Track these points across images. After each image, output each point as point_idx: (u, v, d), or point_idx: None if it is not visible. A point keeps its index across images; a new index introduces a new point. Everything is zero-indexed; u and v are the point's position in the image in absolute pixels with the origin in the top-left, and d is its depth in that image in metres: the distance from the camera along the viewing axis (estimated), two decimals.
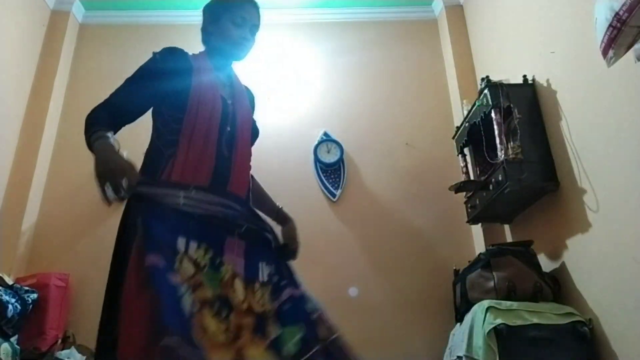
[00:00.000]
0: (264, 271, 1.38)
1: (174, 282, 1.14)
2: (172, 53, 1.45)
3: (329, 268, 3.09)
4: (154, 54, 1.44)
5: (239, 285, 1.30)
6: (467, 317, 2.34)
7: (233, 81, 1.54)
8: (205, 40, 1.55)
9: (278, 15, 3.82)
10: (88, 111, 1.32)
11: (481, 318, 2.17)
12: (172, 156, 1.31)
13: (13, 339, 2.59)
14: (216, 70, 1.49)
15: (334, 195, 3.35)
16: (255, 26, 1.54)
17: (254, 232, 1.39)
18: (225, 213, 1.33)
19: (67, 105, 3.57)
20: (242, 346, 1.20)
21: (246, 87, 1.62)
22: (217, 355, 1.13)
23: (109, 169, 1.15)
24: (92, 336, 3.33)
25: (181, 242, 1.23)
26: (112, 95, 1.37)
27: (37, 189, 3.27)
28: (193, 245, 1.25)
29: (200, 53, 1.53)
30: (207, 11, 1.54)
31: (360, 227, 3.30)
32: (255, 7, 1.55)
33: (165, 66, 1.41)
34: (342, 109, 3.63)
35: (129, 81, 1.39)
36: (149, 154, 1.38)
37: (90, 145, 1.24)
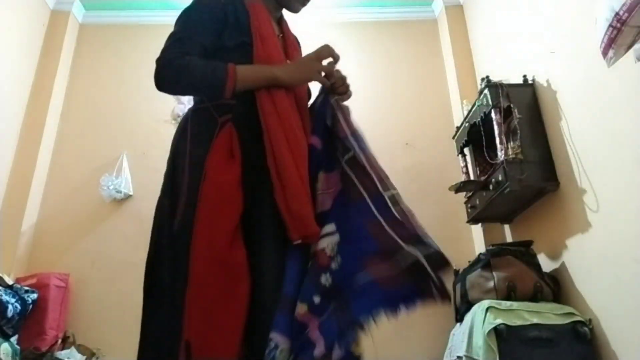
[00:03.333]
0: None
1: None
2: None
3: None
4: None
5: None
6: (467, 317, 2.33)
7: (283, 28, 1.51)
8: None
9: None
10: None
11: (481, 318, 2.17)
12: (227, 122, 1.21)
13: (13, 339, 2.59)
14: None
15: None
16: None
17: None
18: None
19: (67, 105, 3.55)
20: None
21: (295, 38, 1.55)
22: None
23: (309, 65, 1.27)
24: (92, 336, 3.32)
25: None
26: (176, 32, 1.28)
27: (37, 189, 3.26)
28: None
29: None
30: None
31: None
32: None
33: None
34: None
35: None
36: (196, 118, 1.27)
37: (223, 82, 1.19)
